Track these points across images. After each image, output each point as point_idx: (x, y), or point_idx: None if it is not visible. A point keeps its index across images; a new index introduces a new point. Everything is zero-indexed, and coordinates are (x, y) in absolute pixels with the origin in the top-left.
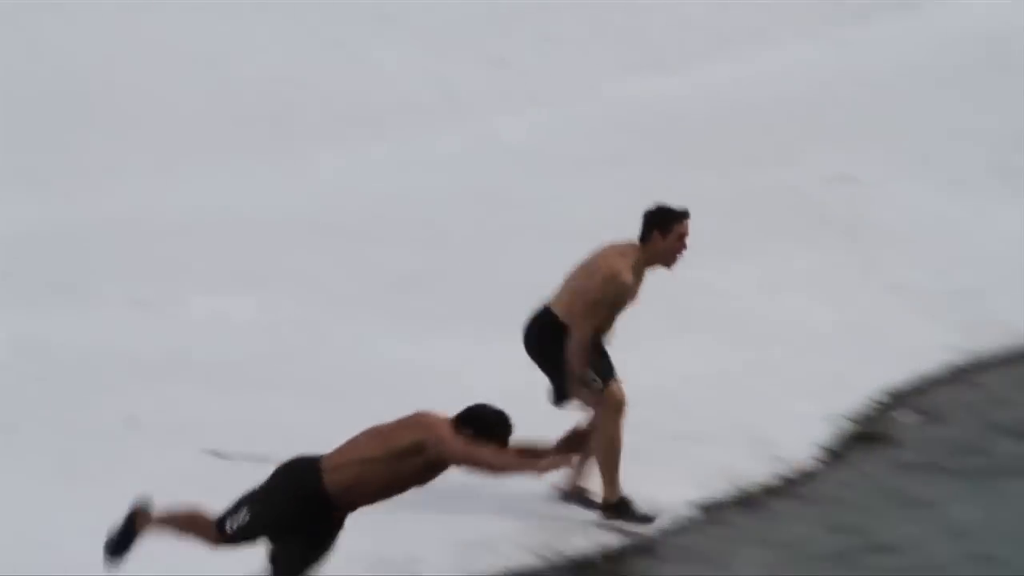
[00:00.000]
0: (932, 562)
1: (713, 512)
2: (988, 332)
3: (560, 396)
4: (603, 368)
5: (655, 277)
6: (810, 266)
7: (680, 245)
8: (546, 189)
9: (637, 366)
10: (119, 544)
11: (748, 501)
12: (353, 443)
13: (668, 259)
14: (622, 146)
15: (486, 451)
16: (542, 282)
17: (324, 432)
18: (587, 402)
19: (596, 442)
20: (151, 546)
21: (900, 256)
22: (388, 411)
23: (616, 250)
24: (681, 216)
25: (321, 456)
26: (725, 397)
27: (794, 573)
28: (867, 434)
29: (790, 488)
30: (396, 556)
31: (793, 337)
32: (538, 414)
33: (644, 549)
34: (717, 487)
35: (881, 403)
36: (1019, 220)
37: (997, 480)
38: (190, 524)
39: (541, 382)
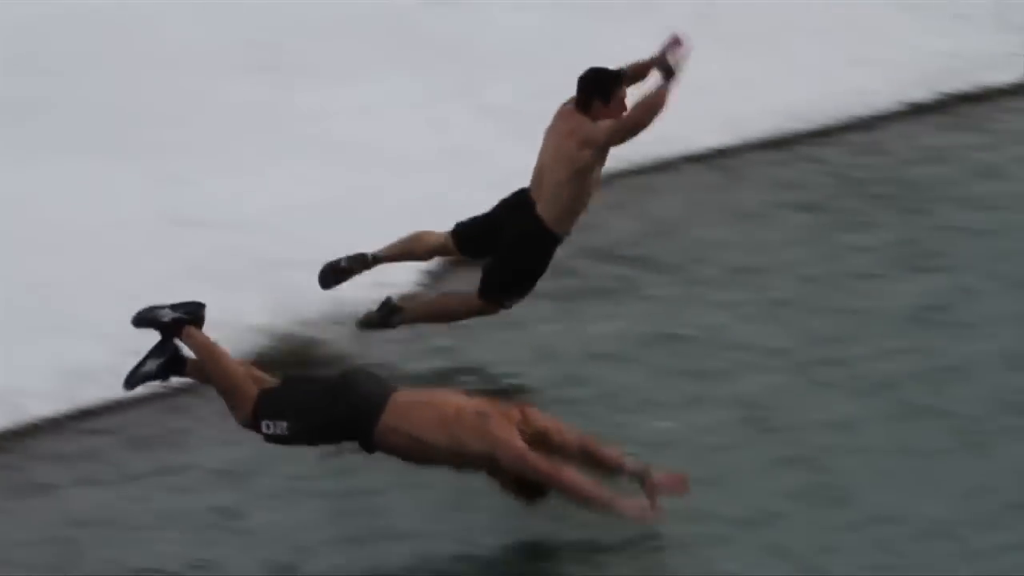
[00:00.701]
0: (522, 381)
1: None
2: None
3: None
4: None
5: (250, 101)
6: (410, 89)
7: (622, 109)
8: (146, 10)
9: (240, 193)
10: (150, 322)
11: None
12: (417, 413)
13: None
14: None
15: (570, 472)
16: (144, 108)
17: None
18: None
19: (447, 299)
20: None
21: (500, 79)
22: None
23: (571, 128)
24: (620, 80)
25: (387, 398)
26: (329, 223)
27: None
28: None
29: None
30: None
31: (395, 161)
32: (144, 244)
33: None
34: (322, 313)
35: None
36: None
37: (585, 301)
38: (234, 388)
39: (151, 209)
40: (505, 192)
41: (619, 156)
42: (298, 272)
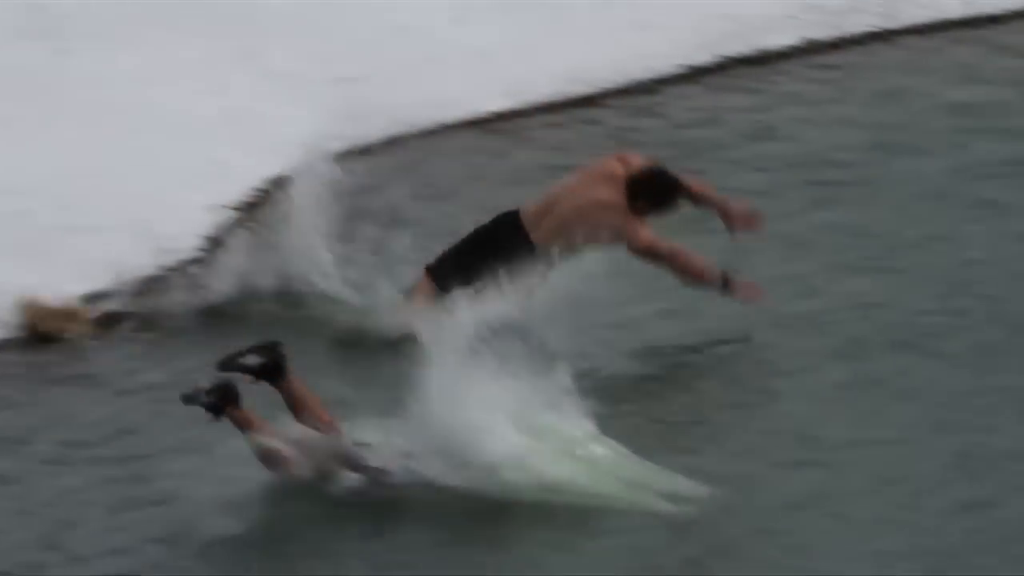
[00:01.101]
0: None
1: (97, 302)
2: (371, 120)
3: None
4: None
5: (26, 66)
6: (192, 54)
7: (656, 215)
8: None
9: (17, 159)
10: (195, 402)
11: (134, 292)
12: None
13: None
14: None
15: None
16: None
17: None
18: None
19: None
20: None
21: (283, 44)
22: None
23: (614, 204)
24: (680, 196)
25: None
26: (108, 189)
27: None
28: (250, 221)
29: (174, 278)
30: None
31: (176, 127)
32: None
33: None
34: (102, 279)
35: (264, 191)
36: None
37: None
38: (276, 464)
39: None
40: (285, 154)
41: (400, 120)
42: (81, 239)
